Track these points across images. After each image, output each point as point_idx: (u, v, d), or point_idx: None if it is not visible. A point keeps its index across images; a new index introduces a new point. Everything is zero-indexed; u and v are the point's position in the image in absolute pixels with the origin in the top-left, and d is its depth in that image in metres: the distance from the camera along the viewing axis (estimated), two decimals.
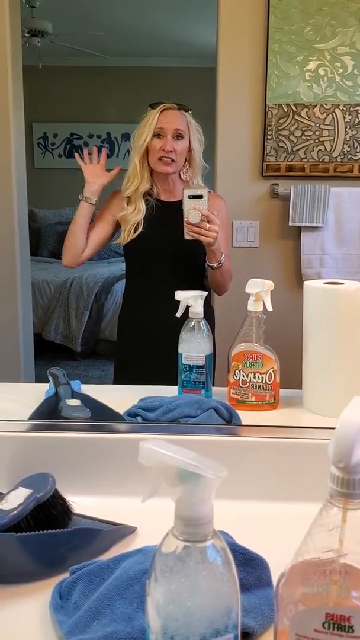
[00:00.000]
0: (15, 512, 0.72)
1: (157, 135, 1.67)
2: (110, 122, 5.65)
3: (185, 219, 1.52)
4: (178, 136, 1.67)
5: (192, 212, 1.51)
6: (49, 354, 3.98)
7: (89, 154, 1.77)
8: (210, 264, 1.64)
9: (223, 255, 1.63)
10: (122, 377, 1.83)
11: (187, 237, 1.53)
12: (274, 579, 0.55)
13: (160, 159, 1.67)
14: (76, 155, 1.79)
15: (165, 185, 1.74)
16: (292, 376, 1.19)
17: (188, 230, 1.52)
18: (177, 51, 5.05)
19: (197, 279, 1.74)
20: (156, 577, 0.46)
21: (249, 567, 0.66)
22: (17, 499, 0.74)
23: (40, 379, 1.21)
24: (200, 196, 1.51)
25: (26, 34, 4.18)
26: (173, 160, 1.68)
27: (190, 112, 1.72)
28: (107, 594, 0.62)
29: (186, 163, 1.73)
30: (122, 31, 4.63)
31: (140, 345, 1.76)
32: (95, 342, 4.33)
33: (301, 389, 1.17)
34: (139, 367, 1.73)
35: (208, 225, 1.52)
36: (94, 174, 1.75)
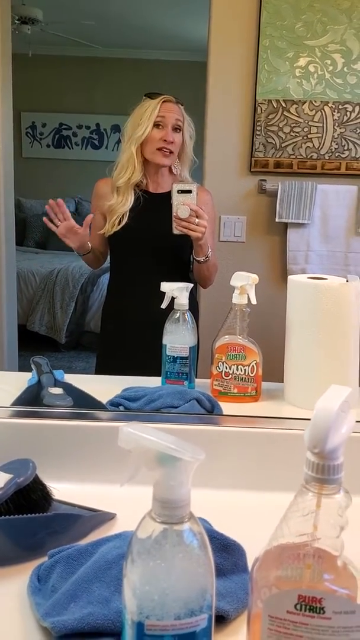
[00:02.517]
0: None
1: (157, 125, 1.67)
2: (99, 113, 5.63)
3: (174, 214, 1.52)
4: (177, 128, 1.68)
5: (181, 207, 1.51)
6: (32, 345, 3.96)
7: (53, 212, 1.65)
8: (198, 258, 1.65)
9: (210, 249, 1.64)
10: (104, 368, 1.84)
11: (175, 231, 1.54)
12: (250, 566, 0.56)
13: (160, 149, 1.67)
14: (44, 219, 1.67)
15: (156, 176, 1.74)
16: (274, 369, 1.20)
17: (177, 225, 1.53)
18: (168, 44, 5.03)
19: (182, 271, 1.75)
20: (133, 559, 0.47)
21: (226, 553, 0.67)
22: None
23: (23, 369, 1.21)
24: (189, 191, 1.52)
25: (16, 21, 4.14)
26: (172, 152, 1.68)
27: (183, 106, 1.72)
28: (84, 577, 0.62)
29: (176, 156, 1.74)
30: (114, 22, 4.60)
31: (124, 336, 1.76)
32: (79, 334, 4.32)
33: (283, 382, 1.19)
34: (121, 358, 1.73)
35: (197, 220, 1.53)
36: (66, 233, 1.65)
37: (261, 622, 0.49)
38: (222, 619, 0.61)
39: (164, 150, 1.67)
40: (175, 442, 0.46)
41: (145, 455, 0.46)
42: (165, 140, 1.66)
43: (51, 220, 1.65)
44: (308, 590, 0.47)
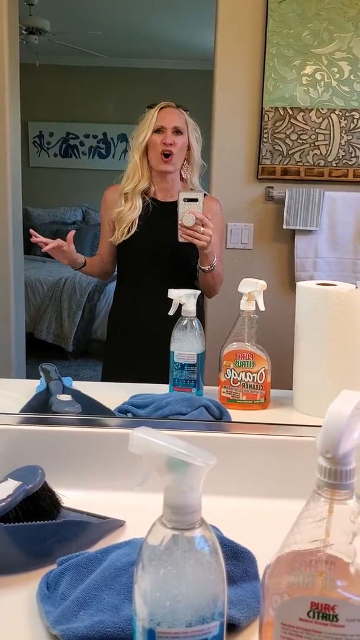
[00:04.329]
0: (3, 503, 0.72)
1: (157, 131, 1.68)
2: (106, 122, 5.66)
3: (179, 222, 1.52)
4: (177, 132, 1.69)
5: (186, 215, 1.51)
6: (40, 353, 3.97)
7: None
8: (203, 267, 1.64)
9: (215, 259, 1.64)
10: (110, 375, 1.83)
11: (180, 239, 1.54)
12: (261, 573, 0.56)
13: (161, 154, 1.68)
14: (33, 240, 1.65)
15: (164, 183, 1.75)
16: (283, 377, 1.20)
17: (182, 233, 1.53)
18: (175, 53, 5.06)
19: (187, 280, 1.74)
20: (143, 565, 0.46)
21: (237, 560, 0.67)
22: (6, 490, 0.74)
23: (31, 377, 1.21)
24: (195, 199, 1.52)
25: (24, 32, 4.17)
26: (173, 154, 1.68)
27: (187, 112, 1.73)
28: (94, 585, 0.62)
29: (185, 161, 1.74)
30: (120, 31, 4.63)
31: (130, 344, 1.76)
32: (87, 342, 4.32)
33: (292, 389, 1.18)
34: (128, 365, 1.73)
35: (202, 228, 1.52)
36: (53, 251, 1.66)
37: (273, 630, 0.48)
38: (233, 627, 0.60)
39: (165, 155, 1.68)
40: (186, 447, 0.45)
41: (155, 461, 0.46)
42: (164, 143, 1.67)
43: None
44: (321, 597, 0.46)
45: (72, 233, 1.66)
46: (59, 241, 1.65)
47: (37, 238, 1.63)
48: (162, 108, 1.70)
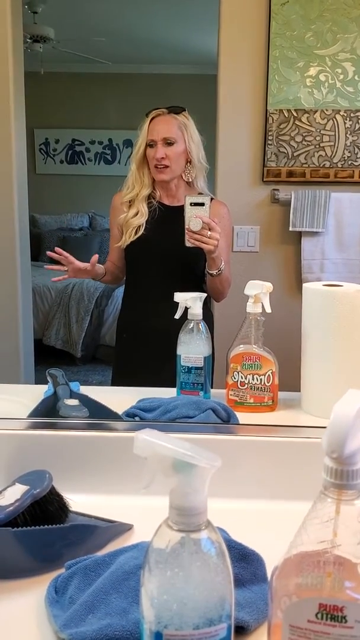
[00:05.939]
0: (11, 508, 0.72)
1: (149, 145, 1.70)
2: (111, 128, 5.68)
3: (186, 226, 1.52)
4: (168, 143, 1.69)
5: (193, 219, 1.51)
6: (49, 359, 3.97)
7: (56, 258, 1.71)
8: (210, 271, 1.64)
9: (223, 263, 1.63)
10: (120, 379, 1.84)
11: (188, 244, 1.54)
12: (269, 575, 0.55)
13: (155, 167, 1.70)
14: (48, 267, 1.74)
15: (167, 190, 1.75)
16: (290, 378, 1.19)
17: (189, 238, 1.53)
18: (178, 58, 5.07)
19: (195, 283, 1.74)
20: (150, 568, 0.46)
21: (245, 562, 0.66)
22: (13, 495, 0.74)
23: (39, 383, 1.21)
24: (202, 204, 1.51)
25: (28, 40, 4.20)
26: (166, 167, 1.69)
27: (184, 112, 1.72)
28: (102, 588, 0.62)
29: (188, 164, 1.74)
30: (124, 38, 4.65)
31: (138, 348, 1.76)
32: (95, 347, 4.33)
33: (300, 391, 1.17)
34: (136, 370, 1.73)
35: (209, 232, 1.52)
36: (76, 275, 1.71)
37: (282, 632, 0.48)
38: (242, 630, 0.60)
39: (158, 167, 1.70)
40: (191, 449, 0.45)
41: (160, 463, 0.46)
42: (155, 159, 1.69)
43: (57, 262, 1.69)
44: (329, 598, 0.46)
45: (96, 257, 1.68)
46: (77, 265, 1.68)
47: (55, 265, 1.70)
48: (153, 118, 1.71)
